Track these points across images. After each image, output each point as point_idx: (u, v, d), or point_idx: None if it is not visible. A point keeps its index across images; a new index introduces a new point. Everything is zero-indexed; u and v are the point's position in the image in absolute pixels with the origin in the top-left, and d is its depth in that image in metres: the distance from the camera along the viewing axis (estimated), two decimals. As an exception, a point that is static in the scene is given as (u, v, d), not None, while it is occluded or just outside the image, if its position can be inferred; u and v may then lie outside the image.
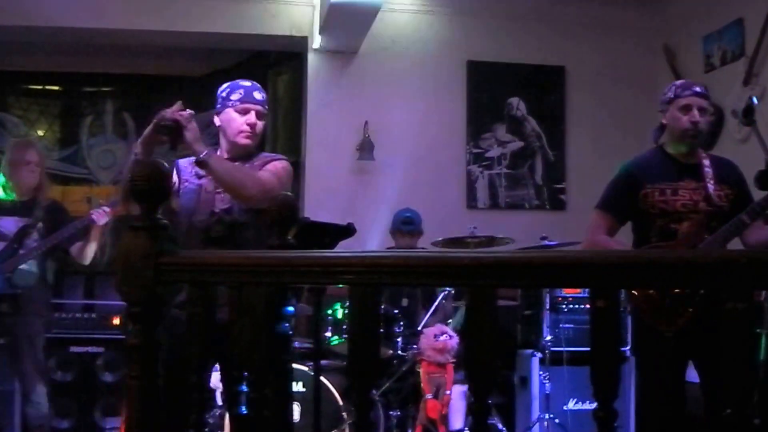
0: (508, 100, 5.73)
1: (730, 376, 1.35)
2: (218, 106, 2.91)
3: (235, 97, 2.86)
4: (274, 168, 2.84)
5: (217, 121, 2.91)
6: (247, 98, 2.86)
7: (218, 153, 2.92)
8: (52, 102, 6.47)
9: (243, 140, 2.86)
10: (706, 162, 3.08)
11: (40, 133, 6.32)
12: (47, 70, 6.35)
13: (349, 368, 1.51)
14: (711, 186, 3.01)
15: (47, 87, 6.50)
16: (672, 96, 3.11)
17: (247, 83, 2.92)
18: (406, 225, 4.80)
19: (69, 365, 4.85)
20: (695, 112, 3.04)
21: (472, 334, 1.40)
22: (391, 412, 4.20)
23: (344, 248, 3.06)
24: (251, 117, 2.85)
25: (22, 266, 4.01)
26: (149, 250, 1.56)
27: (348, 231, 2.39)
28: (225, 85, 2.94)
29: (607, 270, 1.36)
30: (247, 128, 2.84)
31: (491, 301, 1.40)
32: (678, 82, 3.24)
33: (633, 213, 3.14)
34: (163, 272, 1.57)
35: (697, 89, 3.10)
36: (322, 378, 3.77)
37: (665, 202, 3.04)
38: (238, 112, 2.85)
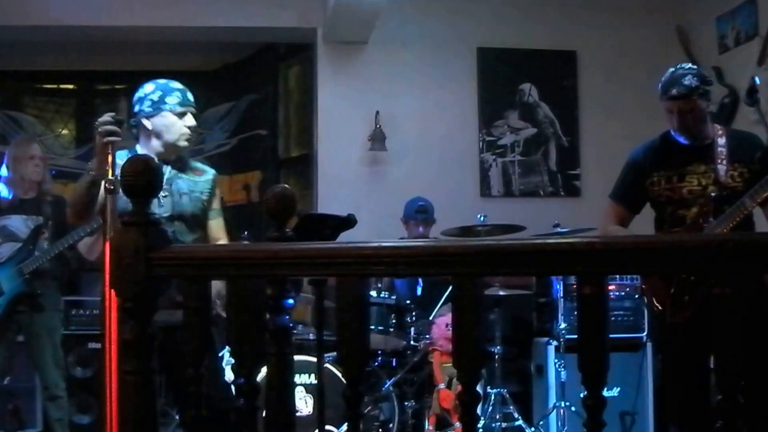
0: (519, 86, 5.69)
1: (721, 362, 1.34)
2: (149, 109, 2.91)
3: (172, 100, 2.92)
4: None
5: (148, 124, 2.91)
6: (185, 101, 2.94)
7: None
8: (67, 101, 6.56)
9: (184, 143, 2.95)
10: (721, 141, 2.98)
11: (57, 131, 6.39)
12: (61, 69, 6.43)
13: (339, 360, 1.51)
14: (722, 167, 2.92)
15: (61, 86, 6.58)
16: (660, 93, 3.00)
17: (179, 85, 2.98)
18: (420, 213, 4.78)
19: (88, 361, 4.89)
20: (674, 116, 2.96)
21: (458, 322, 1.40)
22: (405, 403, 4.20)
23: (353, 240, 3.07)
24: (190, 120, 2.94)
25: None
26: (140, 245, 1.56)
27: (349, 222, 2.38)
28: (152, 88, 2.94)
29: (592, 257, 1.34)
30: (188, 131, 2.93)
31: (477, 289, 1.39)
32: (662, 79, 3.03)
33: (644, 201, 3.13)
34: (155, 267, 1.57)
35: (673, 92, 2.92)
36: (335, 370, 3.78)
37: (671, 189, 3.00)
38: (177, 115, 2.91)
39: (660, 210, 3.09)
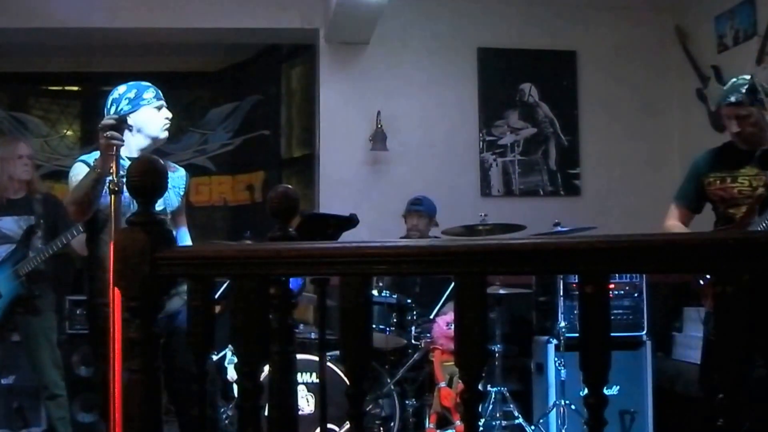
0: (519, 86, 5.70)
1: (723, 361, 1.35)
2: (128, 107, 2.98)
3: (149, 95, 3.03)
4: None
5: (130, 121, 2.98)
6: (159, 96, 3.06)
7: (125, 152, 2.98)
8: (72, 102, 6.58)
9: (165, 133, 3.07)
10: None
11: (62, 132, 6.42)
12: (66, 71, 6.45)
13: (342, 359, 1.53)
14: None
15: (66, 87, 6.61)
16: (719, 102, 3.24)
17: (147, 83, 3.08)
18: (414, 205, 4.86)
19: (92, 360, 4.91)
20: (733, 122, 3.17)
21: (460, 321, 1.41)
22: (406, 401, 4.22)
23: (355, 239, 3.10)
24: (166, 112, 3.07)
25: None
26: (145, 245, 1.57)
27: (351, 222, 2.40)
28: (125, 88, 3.03)
29: (594, 255, 1.35)
30: (167, 122, 3.06)
31: (480, 289, 1.40)
32: (723, 88, 3.29)
33: (703, 202, 3.36)
34: (160, 266, 1.58)
35: (731, 99, 3.16)
36: (336, 369, 3.80)
37: (723, 189, 3.22)
38: (155, 108, 3.03)
39: (715, 210, 3.32)
